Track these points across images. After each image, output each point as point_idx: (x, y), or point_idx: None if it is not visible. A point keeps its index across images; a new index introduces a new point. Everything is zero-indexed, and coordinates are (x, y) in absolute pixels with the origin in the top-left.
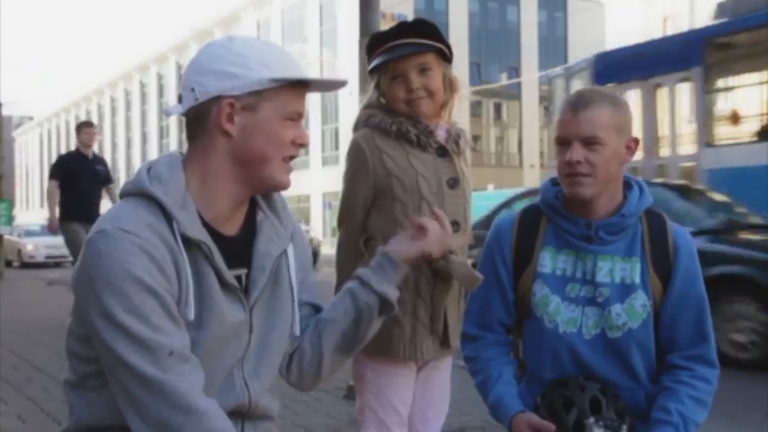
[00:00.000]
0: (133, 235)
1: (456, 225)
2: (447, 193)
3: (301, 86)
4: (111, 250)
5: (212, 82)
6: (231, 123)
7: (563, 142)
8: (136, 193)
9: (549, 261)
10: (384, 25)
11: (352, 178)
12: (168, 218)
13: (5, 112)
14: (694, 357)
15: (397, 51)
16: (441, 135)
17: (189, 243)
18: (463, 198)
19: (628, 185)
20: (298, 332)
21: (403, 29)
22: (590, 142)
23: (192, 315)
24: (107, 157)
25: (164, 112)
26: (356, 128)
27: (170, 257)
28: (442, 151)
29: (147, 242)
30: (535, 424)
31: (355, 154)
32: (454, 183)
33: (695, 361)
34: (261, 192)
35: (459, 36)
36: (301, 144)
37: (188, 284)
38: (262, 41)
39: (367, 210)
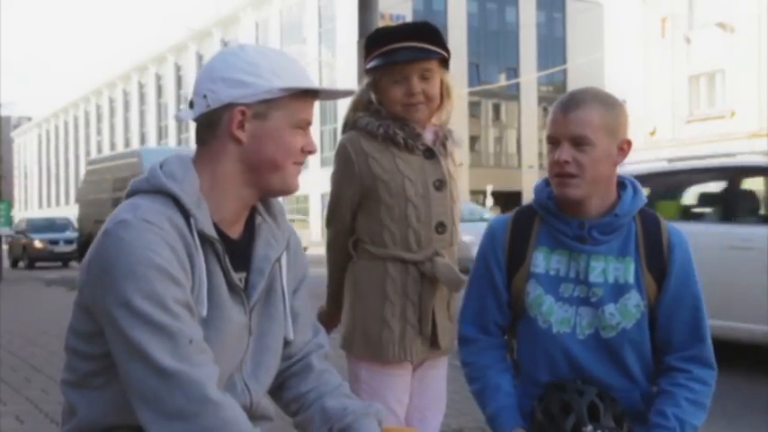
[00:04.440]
0: (156, 226)
1: (442, 226)
2: (433, 194)
3: (310, 95)
4: (134, 239)
5: (224, 89)
6: (242, 130)
7: (553, 142)
8: (151, 190)
9: (542, 261)
10: (382, 26)
11: (338, 181)
12: (185, 215)
13: (4, 113)
14: (691, 358)
15: (403, 54)
16: (428, 137)
17: (203, 241)
18: (450, 199)
19: (622, 185)
20: (291, 337)
21: (409, 31)
22: (579, 142)
23: (204, 311)
24: None
25: (175, 118)
26: (344, 129)
27: (186, 253)
28: (429, 153)
29: (168, 235)
30: None
31: (342, 157)
32: (441, 184)
33: (692, 362)
34: (270, 195)
35: (457, 37)
36: (309, 152)
37: (202, 281)
38: (273, 50)
39: (353, 212)
